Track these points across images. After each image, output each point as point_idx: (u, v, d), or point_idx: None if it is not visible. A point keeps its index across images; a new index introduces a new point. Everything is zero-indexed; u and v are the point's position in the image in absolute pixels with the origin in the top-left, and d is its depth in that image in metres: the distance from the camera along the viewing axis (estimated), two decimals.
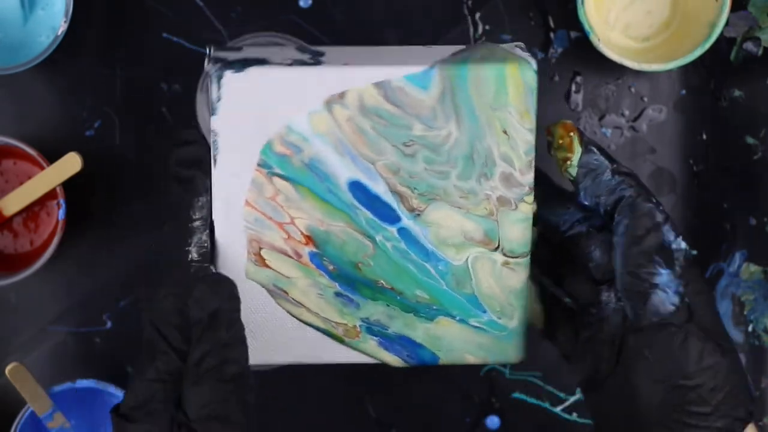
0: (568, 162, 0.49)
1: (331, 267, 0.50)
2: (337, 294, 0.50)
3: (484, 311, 0.51)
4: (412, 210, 0.49)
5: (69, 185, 0.70)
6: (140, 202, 0.74)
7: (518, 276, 0.51)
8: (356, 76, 0.48)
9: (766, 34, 0.73)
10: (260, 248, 0.50)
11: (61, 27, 0.68)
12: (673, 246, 0.45)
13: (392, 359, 0.51)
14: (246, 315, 0.48)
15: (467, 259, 0.50)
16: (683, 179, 0.75)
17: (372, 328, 0.50)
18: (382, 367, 0.53)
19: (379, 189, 0.49)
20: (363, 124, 0.48)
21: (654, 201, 0.47)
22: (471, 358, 0.51)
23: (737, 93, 0.74)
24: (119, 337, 0.74)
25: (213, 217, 0.49)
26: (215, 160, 0.49)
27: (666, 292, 0.44)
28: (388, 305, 0.50)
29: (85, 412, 0.73)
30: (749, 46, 0.73)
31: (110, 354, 0.74)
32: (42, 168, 0.69)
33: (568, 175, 0.50)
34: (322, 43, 0.73)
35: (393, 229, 0.49)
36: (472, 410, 0.75)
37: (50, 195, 0.70)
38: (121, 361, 0.74)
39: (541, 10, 0.74)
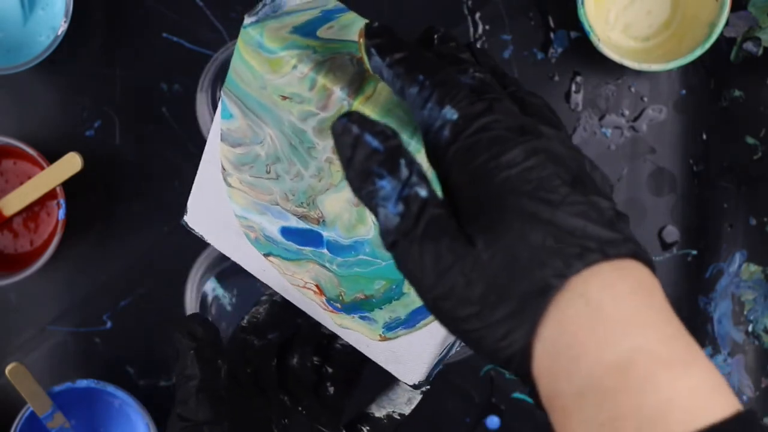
0: (369, 73, 0.44)
1: (339, 305, 0.52)
2: (361, 317, 0.52)
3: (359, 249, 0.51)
4: (318, 222, 0.50)
5: (69, 185, 0.70)
6: (140, 202, 0.74)
7: None
8: (213, 145, 0.51)
9: (766, 34, 0.73)
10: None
11: (61, 27, 0.68)
12: (436, 124, 0.37)
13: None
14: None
15: (372, 222, 0.48)
16: (683, 179, 0.75)
17: (390, 326, 0.52)
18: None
19: (293, 223, 0.50)
20: (245, 178, 0.50)
21: (420, 78, 0.38)
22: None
23: (737, 93, 0.74)
24: (119, 337, 0.74)
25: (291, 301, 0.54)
26: (257, 278, 0.54)
27: (385, 207, 0.36)
28: (380, 308, 0.51)
29: (85, 412, 0.73)
30: (749, 46, 0.73)
31: (110, 354, 0.74)
32: (42, 168, 0.69)
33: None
34: None
35: (325, 251, 0.50)
36: (472, 410, 0.75)
37: (50, 195, 0.70)
38: (121, 361, 0.74)
39: (541, 10, 0.74)
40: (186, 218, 0.54)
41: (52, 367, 0.74)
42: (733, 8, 0.71)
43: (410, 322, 0.51)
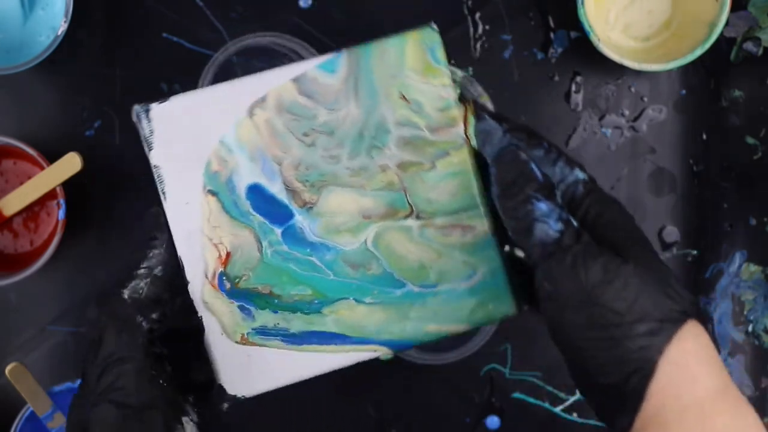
0: (468, 136, 0.49)
1: (228, 285, 0.49)
2: (240, 308, 0.49)
3: (402, 285, 0.49)
4: (303, 204, 0.49)
5: (69, 185, 0.70)
6: (140, 202, 0.74)
7: (465, 231, 0.49)
8: (276, 77, 0.49)
9: (766, 34, 0.73)
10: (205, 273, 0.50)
11: (61, 27, 0.68)
12: (570, 178, 0.46)
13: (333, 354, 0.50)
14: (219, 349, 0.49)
15: (365, 240, 0.49)
16: (683, 179, 0.75)
17: (268, 332, 0.49)
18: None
19: (275, 189, 0.48)
20: (276, 123, 0.48)
21: (545, 144, 0.47)
22: (433, 327, 0.50)
23: (737, 93, 0.74)
24: None
25: (178, 251, 0.49)
26: (164, 194, 0.49)
27: (546, 222, 0.44)
28: (275, 311, 0.49)
29: None
30: (749, 46, 0.73)
31: None
32: (42, 168, 0.69)
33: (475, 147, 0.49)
34: (321, 42, 0.73)
35: (278, 232, 0.48)
36: (472, 410, 0.75)
37: (50, 195, 0.70)
38: None
39: (541, 10, 0.74)
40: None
41: (52, 367, 0.74)
42: (733, 8, 0.71)
43: (296, 339, 0.49)
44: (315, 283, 0.49)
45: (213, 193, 0.49)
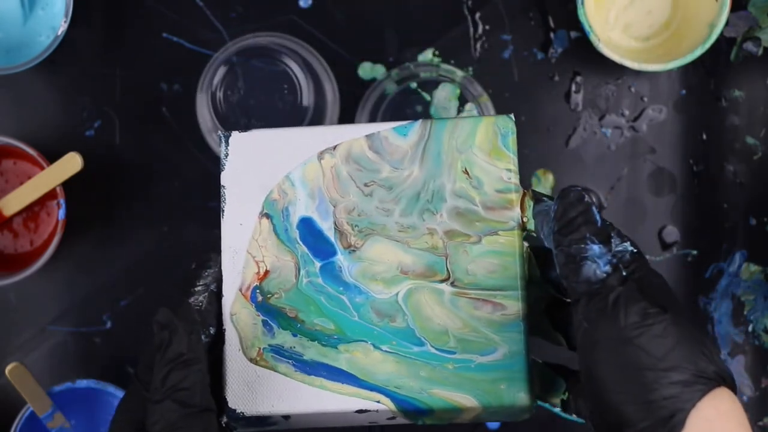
0: (525, 219, 0.51)
1: (260, 299, 0.51)
2: (264, 323, 0.51)
3: (421, 344, 0.50)
4: (348, 246, 0.51)
5: (69, 185, 0.70)
6: (140, 202, 0.74)
7: (495, 308, 0.50)
8: (351, 131, 0.52)
9: (766, 34, 0.73)
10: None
11: (61, 27, 0.68)
12: (619, 248, 0.47)
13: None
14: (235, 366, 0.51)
15: (397, 293, 0.50)
16: (683, 179, 0.75)
17: (282, 353, 0.51)
18: None
19: (325, 226, 0.51)
20: (341, 170, 0.51)
21: (604, 221, 0.48)
22: (439, 392, 0.50)
23: (737, 93, 0.74)
24: (119, 337, 0.74)
25: (222, 267, 0.52)
26: (223, 212, 0.52)
27: (597, 263, 0.45)
28: (294, 335, 0.51)
29: (85, 412, 0.73)
30: (749, 46, 0.73)
31: (110, 354, 0.74)
32: (42, 168, 0.69)
33: (531, 232, 0.51)
34: (321, 42, 0.73)
35: (318, 265, 0.51)
36: None
37: (50, 195, 0.70)
38: (121, 361, 0.74)
39: (541, 10, 0.74)
40: None
41: (52, 367, 0.74)
42: (733, 8, 0.71)
43: (306, 366, 0.50)
44: (339, 320, 0.51)
45: (268, 216, 0.52)
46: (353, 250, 0.51)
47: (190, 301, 0.51)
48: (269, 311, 0.51)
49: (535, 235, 0.51)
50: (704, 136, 0.75)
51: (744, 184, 0.75)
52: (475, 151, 0.51)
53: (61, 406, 0.71)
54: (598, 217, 0.46)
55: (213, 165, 0.73)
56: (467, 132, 0.51)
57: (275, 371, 0.50)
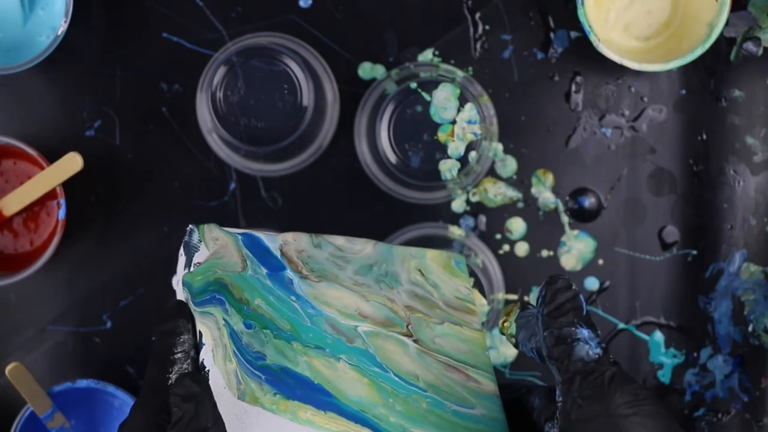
0: (506, 324, 0.49)
1: (199, 279, 0.48)
2: (216, 300, 0.47)
3: (384, 370, 0.46)
4: (299, 272, 0.47)
5: (69, 185, 0.70)
6: (140, 202, 0.74)
7: (468, 380, 0.47)
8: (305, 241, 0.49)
9: (766, 34, 0.73)
10: None
11: (61, 27, 0.68)
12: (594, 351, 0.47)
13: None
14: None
15: (356, 327, 0.46)
16: (683, 179, 0.75)
17: (246, 357, 0.45)
18: None
19: (272, 246, 0.47)
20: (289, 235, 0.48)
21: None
22: None
23: (737, 93, 0.75)
24: (119, 337, 0.74)
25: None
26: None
27: (589, 344, 0.46)
28: (247, 325, 0.46)
29: (85, 412, 0.73)
30: (749, 46, 0.73)
31: (110, 354, 0.74)
32: (42, 168, 0.69)
33: (509, 338, 0.49)
34: (321, 42, 0.73)
35: (264, 271, 0.46)
36: None
37: (50, 195, 0.70)
38: (121, 361, 0.74)
39: (541, 10, 0.74)
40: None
41: (52, 367, 0.74)
42: (733, 8, 0.71)
43: (279, 383, 0.44)
44: (291, 321, 0.46)
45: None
46: (305, 277, 0.47)
47: (175, 369, 0.47)
48: (216, 285, 0.46)
49: (513, 341, 0.49)
50: (704, 136, 0.75)
51: (744, 184, 0.75)
52: (429, 262, 0.49)
53: (61, 406, 0.71)
54: (584, 305, 0.47)
55: (213, 165, 0.73)
56: (417, 252, 0.49)
57: (260, 406, 0.45)
